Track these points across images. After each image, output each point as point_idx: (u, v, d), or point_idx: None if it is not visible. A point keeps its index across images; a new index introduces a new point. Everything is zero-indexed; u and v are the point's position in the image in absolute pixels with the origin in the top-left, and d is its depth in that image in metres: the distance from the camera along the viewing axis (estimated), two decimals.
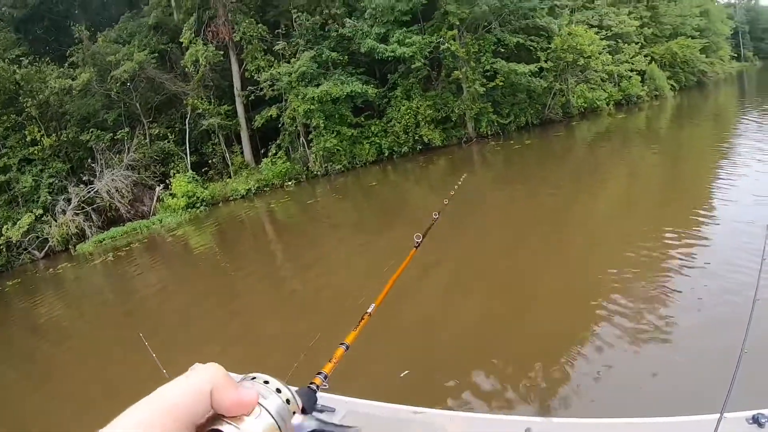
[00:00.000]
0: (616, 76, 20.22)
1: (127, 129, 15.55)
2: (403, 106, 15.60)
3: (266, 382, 0.34)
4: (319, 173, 14.94)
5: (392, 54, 15.49)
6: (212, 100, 15.38)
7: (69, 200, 15.72)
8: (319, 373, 0.54)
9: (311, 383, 0.49)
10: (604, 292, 3.99)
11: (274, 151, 15.10)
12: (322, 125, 14.62)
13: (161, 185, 14.73)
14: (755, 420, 1.14)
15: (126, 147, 15.29)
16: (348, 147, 14.94)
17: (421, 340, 4.08)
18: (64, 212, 15.75)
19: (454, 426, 1.50)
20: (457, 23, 16.57)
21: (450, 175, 13.79)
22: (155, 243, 14.08)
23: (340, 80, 15.02)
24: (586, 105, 18.46)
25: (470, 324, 4.17)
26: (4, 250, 16.59)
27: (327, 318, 4.82)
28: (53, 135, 16.30)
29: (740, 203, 5.74)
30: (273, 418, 0.31)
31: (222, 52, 15.46)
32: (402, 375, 3.42)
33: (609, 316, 3.66)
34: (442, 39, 16.16)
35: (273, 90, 14.92)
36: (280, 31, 15.62)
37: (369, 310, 0.97)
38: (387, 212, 10.37)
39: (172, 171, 14.89)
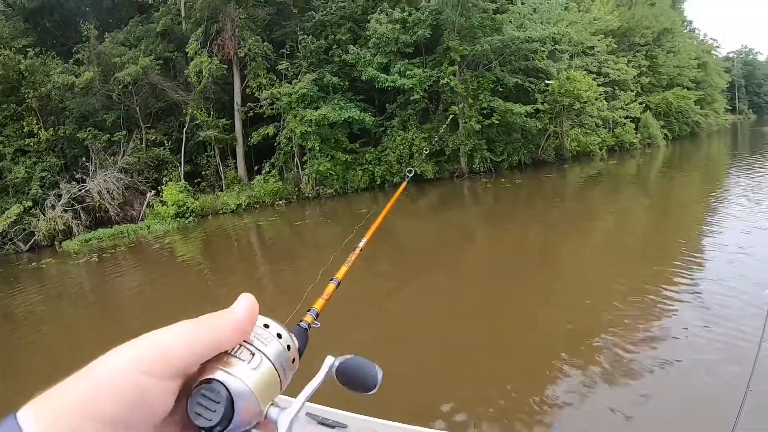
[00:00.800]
0: (611, 122, 20.81)
1: (124, 132, 15.68)
2: (399, 136, 15.94)
3: (266, 326, 0.31)
4: (310, 195, 15.16)
5: (392, 84, 15.85)
6: (211, 113, 15.60)
7: (59, 196, 15.77)
8: (310, 310, 0.50)
9: (301, 321, 0.46)
10: (585, 332, 4.21)
11: (268, 170, 15.32)
12: (317, 148, 14.88)
13: (153, 191, 14.86)
14: None
15: (122, 149, 15.42)
16: (341, 172, 15.21)
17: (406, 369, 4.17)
18: (53, 207, 15.79)
19: None
20: (458, 59, 17.03)
21: (438, 208, 14.10)
22: (141, 248, 14.18)
23: (339, 105, 15.34)
24: (579, 149, 18.96)
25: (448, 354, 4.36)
26: None
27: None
28: (51, 129, 16.38)
29: (723, 257, 6.03)
30: (274, 366, 0.29)
31: (226, 66, 15.71)
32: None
33: (595, 353, 3.83)
34: (442, 74, 16.58)
35: (272, 108, 15.18)
36: (284, 51, 15.93)
37: (360, 245, 0.89)
38: (373, 238, 10.59)
39: (164, 178, 15.03)
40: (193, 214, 14.94)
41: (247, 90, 15.66)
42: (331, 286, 0.67)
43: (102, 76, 16.07)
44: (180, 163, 15.31)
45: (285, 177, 15.21)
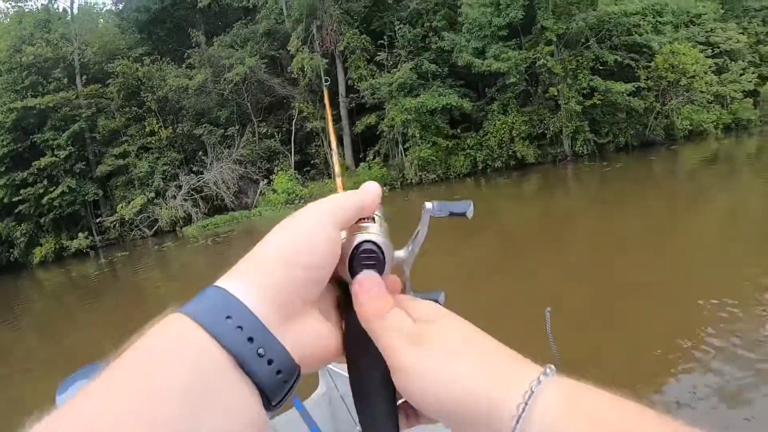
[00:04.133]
0: (728, 97, 18.83)
1: (237, 126, 16.84)
2: (499, 120, 15.61)
3: None
4: (413, 181, 15.34)
5: (488, 69, 15.55)
6: (317, 105, 16.30)
7: (180, 187, 17.33)
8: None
9: None
10: (700, 324, 3.77)
11: (372, 157, 15.72)
12: (418, 135, 14.99)
13: (265, 180, 15.82)
14: None
15: (235, 143, 16.55)
16: (443, 157, 15.22)
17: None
18: (174, 197, 17.38)
19: None
20: (554, 39, 16.32)
21: (539, 194, 13.58)
22: (253, 232, 15.15)
23: (438, 92, 15.33)
24: (691, 127, 17.40)
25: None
26: (118, 225, 18.61)
27: None
28: (170, 127, 18.04)
29: None
30: (385, 224, 0.36)
31: (327, 61, 16.30)
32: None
33: (707, 347, 3.46)
34: (539, 55, 16.00)
35: (373, 98, 15.52)
36: (383, 42, 16.20)
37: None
38: (476, 225, 10.30)
39: (276, 168, 15.95)
40: (302, 201, 15.67)
41: (349, 81, 16.14)
42: None
43: (213, 76, 17.40)
44: (290, 153, 16.17)
45: (389, 164, 15.51)
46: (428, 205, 0.35)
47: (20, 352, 7.95)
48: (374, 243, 0.33)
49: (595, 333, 4.01)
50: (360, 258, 0.33)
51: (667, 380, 3.24)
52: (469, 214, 0.37)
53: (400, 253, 0.35)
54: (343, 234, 0.33)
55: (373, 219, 0.35)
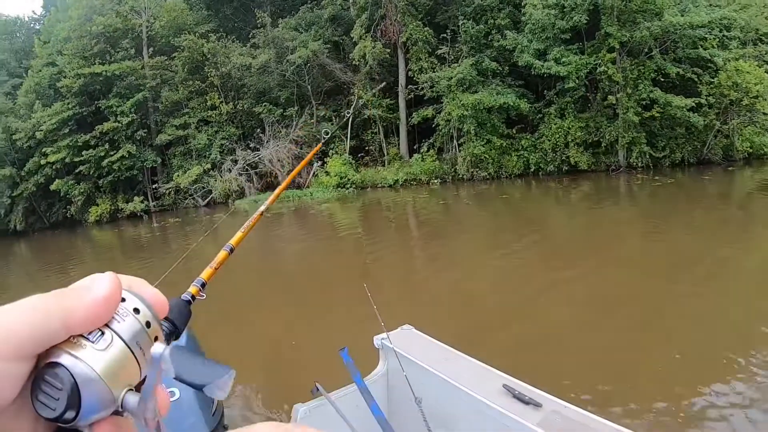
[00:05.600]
0: None
1: (296, 107, 17.37)
2: (555, 124, 15.63)
3: (122, 300, 0.27)
4: (464, 177, 15.57)
5: (548, 71, 15.56)
6: (377, 93, 16.66)
7: (235, 161, 18.04)
8: (196, 280, 0.46)
9: (185, 293, 0.42)
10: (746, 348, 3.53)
11: (426, 149, 15.99)
12: (473, 132, 15.17)
13: (319, 162, 16.33)
14: None
15: (293, 123, 17.10)
16: (496, 156, 15.37)
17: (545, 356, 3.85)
18: (229, 171, 18.11)
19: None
20: (617, 46, 16.18)
21: (588, 202, 13.46)
22: (302, 211, 15.70)
23: (496, 90, 15.44)
24: (751, 150, 16.99)
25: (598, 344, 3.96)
26: (173, 192, 19.50)
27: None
28: (230, 103, 18.73)
29: None
30: (128, 346, 0.26)
31: (389, 50, 16.59)
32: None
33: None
34: (599, 61, 15.90)
35: (432, 91, 15.75)
36: (445, 35, 16.37)
37: (261, 209, 0.81)
38: (525, 224, 10.31)
39: (330, 151, 16.44)
40: (353, 185, 16.12)
41: (409, 73, 16.43)
42: (223, 253, 0.58)
43: (276, 57, 17.93)
44: (346, 137, 16.62)
45: (442, 157, 15.78)
46: (157, 349, 0.25)
47: None
48: (66, 370, 0.24)
49: (630, 352, 3.81)
50: (38, 392, 0.24)
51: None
52: (217, 392, 0.28)
53: (131, 398, 0.25)
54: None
55: (103, 333, 0.25)
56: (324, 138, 1.42)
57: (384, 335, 2.16)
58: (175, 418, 1.84)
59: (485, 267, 7.01)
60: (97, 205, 20.73)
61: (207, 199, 18.45)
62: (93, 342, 0.25)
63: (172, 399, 1.57)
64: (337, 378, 2.10)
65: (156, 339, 0.27)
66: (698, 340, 3.95)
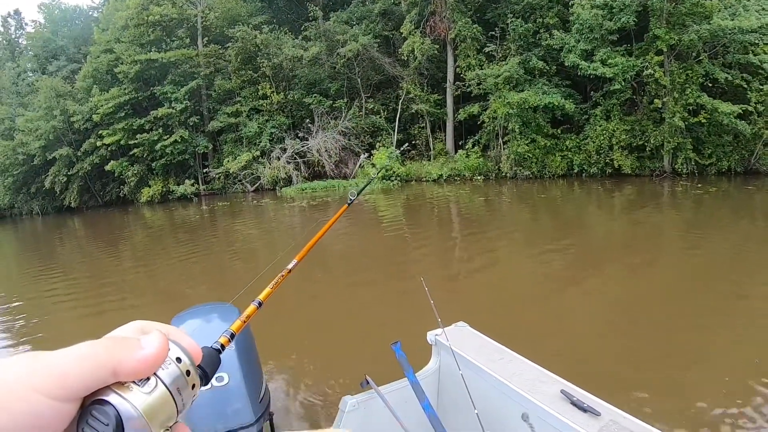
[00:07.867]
0: None
1: (346, 99, 18.02)
2: (600, 126, 15.81)
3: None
4: (508, 175, 15.96)
5: (594, 72, 15.69)
6: (425, 88, 17.14)
7: (284, 150, 18.87)
8: (225, 332, 0.48)
9: (216, 342, 0.43)
10: None
11: (471, 145, 16.42)
12: (518, 130, 15.50)
13: (366, 154, 16.98)
14: None
15: (342, 114, 17.77)
16: (540, 155, 15.67)
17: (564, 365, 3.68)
18: (278, 158, 18.96)
19: None
20: (665, 49, 16.14)
21: (631, 206, 13.47)
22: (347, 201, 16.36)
23: (542, 90, 15.69)
24: None
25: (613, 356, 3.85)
26: (222, 177, 20.52)
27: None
28: (281, 93, 19.52)
29: None
30: (169, 391, 0.29)
31: (438, 46, 17.00)
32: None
33: None
34: (647, 63, 15.92)
35: (479, 88, 16.13)
36: (494, 33, 16.66)
37: (289, 267, 0.89)
38: (564, 226, 10.36)
39: (378, 144, 17.06)
40: (398, 178, 16.73)
41: (457, 69, 16.84)
42: (252, 307, 0.63)
43: (327, 50, 18.57)
44: (393, 131, 17.21)
45: (487, 154, 16.20)
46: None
47: (115, 275, 8.88)
48: (113, 407, 0.27)
49: (666, 368, 3.67)
50: (85, 425, 0.27)
51: None
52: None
53: None
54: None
55: (148, 378, 0.29)
56: (350, 200, 1.48)
57: (439, 331, 2.12)
58: (222, 403, 1.84)
59: (529, 267, 6.99)
60: (149, 186, 21.94)
61: (255, 185, 19.39)
62: (139, 385, 0.28)
63: (220, 384, 1.85)
64: (385, 373, 2.04)
65: (194, 386, 0.31)
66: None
